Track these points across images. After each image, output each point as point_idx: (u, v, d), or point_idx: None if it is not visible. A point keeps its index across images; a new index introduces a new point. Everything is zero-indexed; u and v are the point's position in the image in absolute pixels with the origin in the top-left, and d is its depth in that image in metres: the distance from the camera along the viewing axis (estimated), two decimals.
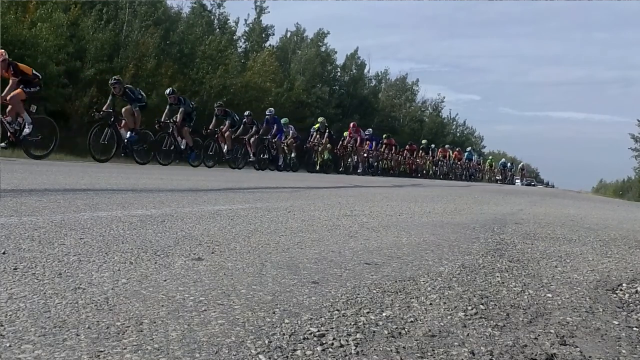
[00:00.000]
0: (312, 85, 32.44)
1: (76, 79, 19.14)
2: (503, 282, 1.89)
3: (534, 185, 55.90)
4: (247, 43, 32.29)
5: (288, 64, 33.24)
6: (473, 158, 35.90)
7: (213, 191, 5.19)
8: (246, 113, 16.10)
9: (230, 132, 14.18)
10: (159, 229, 2.41)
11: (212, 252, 1.99)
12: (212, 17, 29.42)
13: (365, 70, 40.67)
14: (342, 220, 3.34)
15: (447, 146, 33.22)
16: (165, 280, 1.53)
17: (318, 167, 19.88)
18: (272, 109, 18.23)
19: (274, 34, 33.38)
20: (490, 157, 44.61)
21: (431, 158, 30.22)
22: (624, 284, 2.04)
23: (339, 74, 38.58)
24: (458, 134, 50.30)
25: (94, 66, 19.13)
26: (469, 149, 37.57)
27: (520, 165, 51.27)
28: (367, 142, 22.58)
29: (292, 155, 18.36)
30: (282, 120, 17.96)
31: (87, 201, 3.26)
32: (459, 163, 33.28)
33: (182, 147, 13.27)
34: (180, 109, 13.24)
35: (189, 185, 5.80)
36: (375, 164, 23.45)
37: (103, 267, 1.63)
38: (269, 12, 33.00)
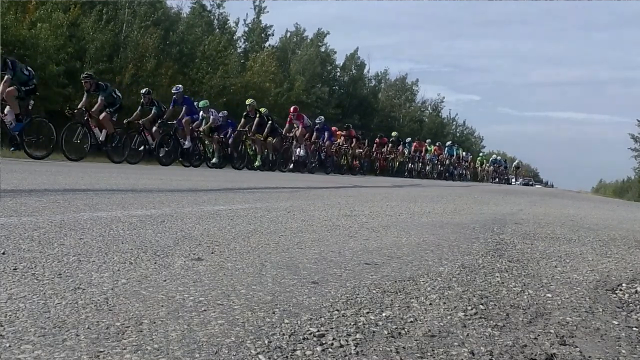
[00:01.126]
0: (312, 85, 32.44)
1: (76, 79, 19.12)
2: (503, 282, 1.89)
3: (531, 185, 54.11)
4: (246, 43, 32.29)
5: (288, 64, 33.22)
6: (456, 153, 31.37)
7: (213, 191, 5.19)
8: (143, 91, 13.58)
9: (107, 113, 11.54)
10: (159, 229, 2.41)
11: (212, 252, 1.99)
12: (212, 17, 29.43)
13: (365, 71, 40.68)
14: (342, 220, 3.34)
15: (428, 140, 29.51)
16: (165, 281, 1.53)
17: (246, 163, 16.37)
18: (180, 86, 15.04)
19: (273, 34, 33.38)
20: (481, 154, 41.38)
21: (404, 153, 25.94)
22: (623, 284, 2.04)
23: (338, 74, 38.58)
24: (458, 134, 50.25)
25: (93, 66, 19.12)
26: (449, 143, 32.54)
27: (515, 163, 46.70)
28: (315, 132, 18.29)
29: (213, 147, 14.84)
30: (201, 103, 14.92)
31: (87, 201, 3.26)
32: (438, 159, 29.03)
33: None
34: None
35: (189, 186, 5.80)
36: (329, 158, 19.12)
37: (103, 267, 1.63)
38: (267, 12, 33.01)
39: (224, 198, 4.44)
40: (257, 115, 15.98)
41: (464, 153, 34.14)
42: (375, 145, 23.78)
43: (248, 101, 16.41)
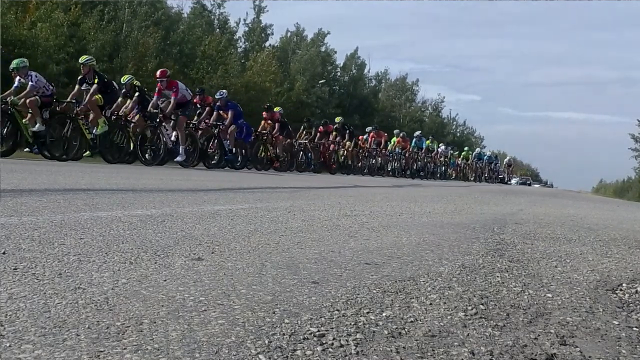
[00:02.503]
0: (312, 85, 32.44)
1: (76, 79, 19.11)
2: (503, 282, 1.89)
3: (529, 185, 52.11)
4: (246, 43, 32.30)
5: (288, 64, 33.22)
6: (425, 146, 25.74)
7: (213, 191, 5.19)
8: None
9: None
10: (159, 229, 2.41)
11: (212, 252, 1.99)
12: (212, 17, 29.44)
13: (365, 70, 40.74)
14: (342, 220, 3.34)
15: (396, 132, 24.49)
16: (165, 280, 1.53)
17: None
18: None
19: (272, 34, 33.39)
20: (466, 148, 34.64)
21: (360, 144, 21.34)
22: (624, 284, 2.04)
23: (339, 74, 38.59)
24: (458, 134, 50.29)
25: None
26: (417, 133, 26.93)
27: (507, 160, 40.57)
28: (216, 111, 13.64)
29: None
30: (15, 62, 10.20)
31: (87, 201, 3.26)
32: (404, 153, 23.95)
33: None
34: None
35: (189, 185, 5.80)
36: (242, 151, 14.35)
37: (103, 267, 1.63)
38: (267, 11, 33.08)
39: (224, 198, 4.44)
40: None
41: (442, 147, 28.68)
42: (318, 134, 18.86)
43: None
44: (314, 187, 7.86)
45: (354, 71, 39.27)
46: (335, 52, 37.42)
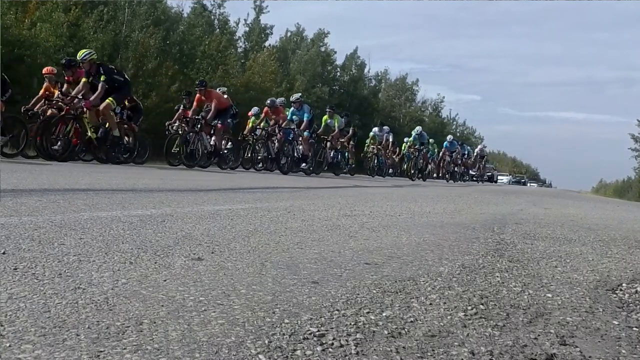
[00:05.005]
0: (312, 85, 32.45)
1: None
2: (503, 282, 1.89)
3: (523, 184, 49.37)
4: (246, 43, 32.32)
5: (288, 64, 33.24)
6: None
7: (213, 191, 5.19)
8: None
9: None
10: (159, 229, 2.41)
11: (212, 252, 1.99)
12: (212, 17, 29.45)
13: (365, 70, 40.73)
14: (342, 220, 3.34)
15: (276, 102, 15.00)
16: (165, 280, 1.53)
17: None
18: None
19: (272, 34, 33.41)
20: (414, 132, 21.38)
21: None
22: (624, 284, 2.04)
23: (338, 74, 38.60)
24: (458, 134, 50.31)
25: None
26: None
27: (478, 150, 28.76)
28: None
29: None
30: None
31: (87, 201, 3.26)
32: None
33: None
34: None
35: (189, 185, 5.80)
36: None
37: (103, 267, 1.63)
38: (268, 11, 33.10)
39: (224, 198, 4.44)
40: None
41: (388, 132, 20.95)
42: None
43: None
44: (314, 187, 7.86)
45: (353, 71, 39.26)
46: (335, 52, 37.44)
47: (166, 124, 13.05)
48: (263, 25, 32.83)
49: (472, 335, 1.29)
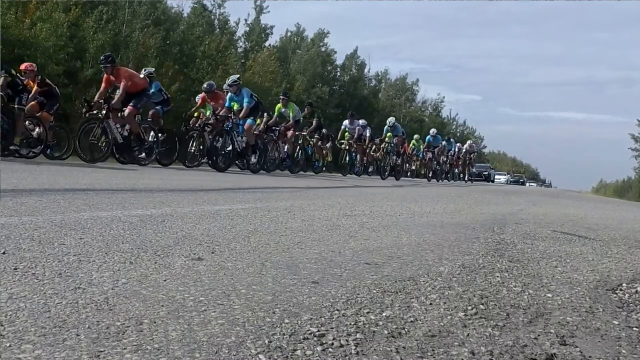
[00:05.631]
0: (312, 85, 32.45)
1: (76, 79, 19.14)
2: (503, 282, 1.89)
3: (522, 183, 48.87)
4: (247, 43, 32.33)
5: (288, 64, 33.25)
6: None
7: (213, 191, 5.19)
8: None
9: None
10: (159, 229, 2.41)
11: (212, 252, 1.99)
12: (213, 17, 29.45)
13: (365, 70, 40.75)
14: (342, 220, 3.34)
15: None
16: (165, 280, 1.53)
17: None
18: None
19: (272, 34, 33.41)
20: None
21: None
22: (624, 284, 2.04)
23: (338, 74, 38.62)
24: (458, 134, 50.30)
25: (93, 66, 19.14)
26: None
27: (467, 146, 25.31)
28: None
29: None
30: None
31: (87, 201, 3.26)
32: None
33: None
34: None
35: (189, 185, 5.80)
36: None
37: (103, 267, 1.63)
38: (268, 11, 33.10)
39: (224, 198, 4.44)
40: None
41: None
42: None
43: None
44: (314, 187, 7.86)
45: (354, 71, 39.29)
46: (335, 52, 37.47)
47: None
48: (263, 25, 32.84)
49: (472, 335, 1.29)
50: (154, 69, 11.83)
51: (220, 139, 10.82)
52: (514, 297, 1.70)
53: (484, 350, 1.19)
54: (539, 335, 1.34)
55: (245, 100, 11.02)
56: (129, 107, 9.69)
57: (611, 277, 2.16)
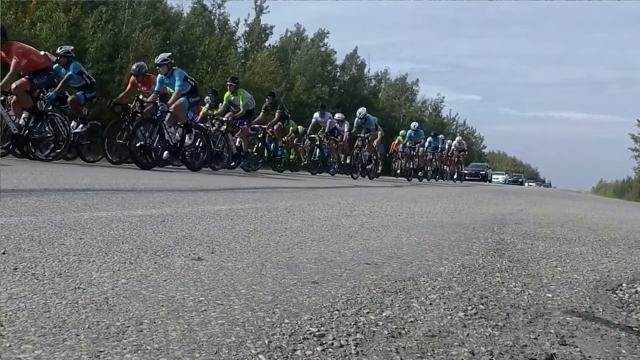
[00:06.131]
0: (312, 85, 32.46)
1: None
2: (503, 282, 1.89)
3: (521, 183, 48.44)
4: (247, 43, 32.34)
5: (288, 64, 33.25)
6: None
7: (213, 191, 5.19)
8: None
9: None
10: (159, 229, 2.41)
11: (212, 252, 1.99)
12: (213, 17, 29.46)
13: (365, 70, 40.77)
14: (342, 220, 3.34)
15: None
16: (165, 280, 1.53)
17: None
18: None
19: (272, 34, 33.42)
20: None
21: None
22: (624, 284, 2.04)
23: (338, 74, 38.63)
24: (458, 134, 50.28)
25: (93, 66, 19.13)
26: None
27: (455, 142, 23.21)
28: None
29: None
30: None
31: (87, 201, 3.26)
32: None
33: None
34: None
35: (189, 185, 5.80)
36: None
37: (103, 267, 1.63)
38: (268, 11, 33.10)
39: (224, 198, 4.44)
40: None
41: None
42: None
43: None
44: (314, 187, 7.87)
45: (353, 71, 39.31)
46: (335, 52, 37.49)
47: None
48: (263, 26, 32.85)
49: (472, 335, 1.29)
50: (72, 48, 9.80)
51: (145, 130, 9.03)
52: (514, 297, 1.70)
53: (484, 351, 1.20)
54: (538, 335, 1.34)
55: (177, 83, 9.31)
56: (21, 79, 8.18)
57: (611, 277, 2.16)
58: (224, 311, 1.29)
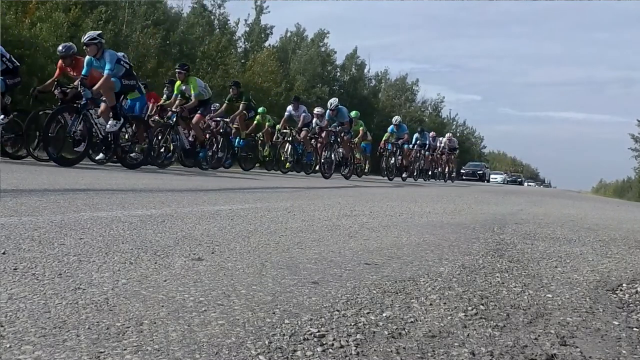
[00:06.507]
0: (312, 85, 32.46)
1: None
2: (503, 283, 1.89)
3: (520, 183, 46.76)
4: (246, 43, 32.35)
5: (288, 64, 33.25)
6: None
7: (213, 191, 5.19)
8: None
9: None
10: (159, 229, 2.41)
11: (212, 252, 1.99)
12: (212, 17, 29.46)
13: (365, 70, 40.77)
14: (342, 220, 3.34)
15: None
16: (165, 281, 1.53)
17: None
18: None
19: (272, 34, 33.43)
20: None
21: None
22: (624, 284, 2.04)
23: (338, 74, 38.63)
24: (458, 134, 50.28)
25: None
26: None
27: (445, 139, 22.05)
28: None
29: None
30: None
31: (87, 201, 3.26)
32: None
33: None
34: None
35: (189, 186, 5.80)
36: None
37: (103, 267, 1.63)
38: (268, 11, 33.10)
39: (224, 198, 4.44)
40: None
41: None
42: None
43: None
44: (314, 187, 7.86)
45: (353, 71, 39.31)
46: (335, 52, 37.50)
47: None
48: (263, 26, 32.85)
49: (473, 335, 1.29)
50: None
51: (67, 120, 7.85)
52: (514, 297, 1.70)
53: (484, 351, 1.19)
54: (539, 335, 1.34)
55: (107, 66, 7.93)
56: None
57: (611, 278, 2.16)
58: (224, 311, 1.29)
